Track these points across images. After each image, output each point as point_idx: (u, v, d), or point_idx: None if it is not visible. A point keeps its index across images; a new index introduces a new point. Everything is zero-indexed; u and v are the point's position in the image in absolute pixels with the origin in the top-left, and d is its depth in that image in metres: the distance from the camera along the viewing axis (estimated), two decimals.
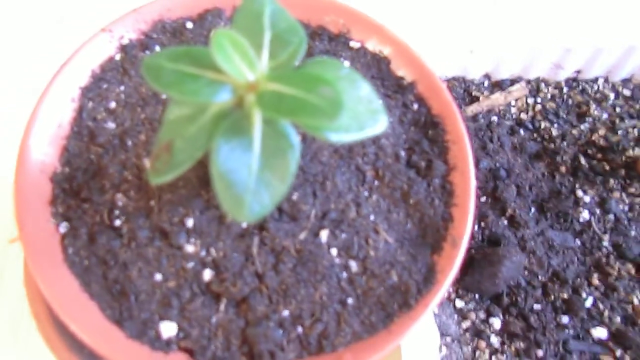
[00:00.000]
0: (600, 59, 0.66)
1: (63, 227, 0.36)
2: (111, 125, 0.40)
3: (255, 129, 0.25)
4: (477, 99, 0.67)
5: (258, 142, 0.25)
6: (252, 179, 0.25)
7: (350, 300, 0.35)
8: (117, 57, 0.41)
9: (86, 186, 0.37)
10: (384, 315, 0.35)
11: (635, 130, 0.66)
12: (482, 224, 0.59)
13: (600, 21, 0.65)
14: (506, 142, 0.64)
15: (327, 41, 0.44)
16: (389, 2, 0.64)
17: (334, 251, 0.36)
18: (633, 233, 0.60)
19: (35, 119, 0.38)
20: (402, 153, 0.40)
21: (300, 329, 0.34)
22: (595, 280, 0.57)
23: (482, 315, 0.55)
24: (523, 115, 0.67)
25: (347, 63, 0.43)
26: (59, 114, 0.39)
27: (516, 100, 0.68)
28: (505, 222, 0.59)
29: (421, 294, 0.35)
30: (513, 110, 0.68)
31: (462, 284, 0.56)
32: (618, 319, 0.56)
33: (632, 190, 0.63)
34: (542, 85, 0.69)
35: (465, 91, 0.68)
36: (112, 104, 0.40)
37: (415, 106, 0.42)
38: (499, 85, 0.68)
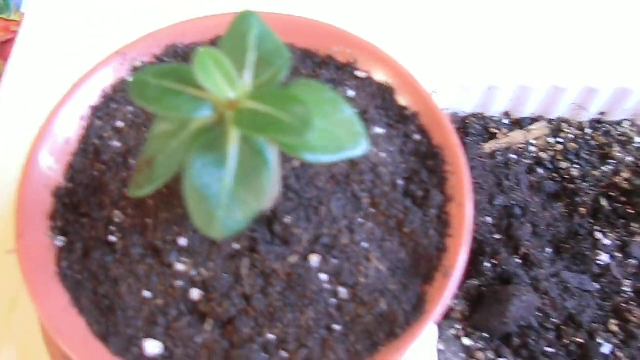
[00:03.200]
0: (624, 101, 0.65)
1: (60, 241, 0.37)
2: (116, 144, 0.41)
3: (231, 146, 0.26)
4: (495, 136, 0.67)
5: (233, 159, 0.26)
6: (224, 195, 0.25)
7: (337, 327, 0.35)
8: (129, 78, 0.43)
9: (86, 202, 0.38)
10: (370, 344, 0.34)
11: None
12: (494, 261, 0.58)
13: (625, 62, 0.64)
14: (523, 180, 0.63)
15: (334, 70, 0.45)
16: (408, 36, 0.64)
17: (324, 277, 0.36)
18: None
19: (45, 134, 0.39)
20: (400, 182, 0.40)
21: (284, 354, 0.34)
22: (614, 327, 0.55)
23: (490, 355, 0.54)
24: (543, 155, 0.66)
25: (352, 92, 0.44)
26: (67, 130, 0.40)
27: (536, 139, 0.67)
28: (519, 260, 0.58)
29: (409, 323, 0.35)
30: (532, 149, 0.67)
31: (471, 322, 0.55)
32: None
33: None
34: (564, 125, 0.68)
35: (484, 128, 0.67)
36: (120, 123, 0.42)
37: (417, 136, 0.42)
38: (519, 124, 0.68)
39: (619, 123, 0.68)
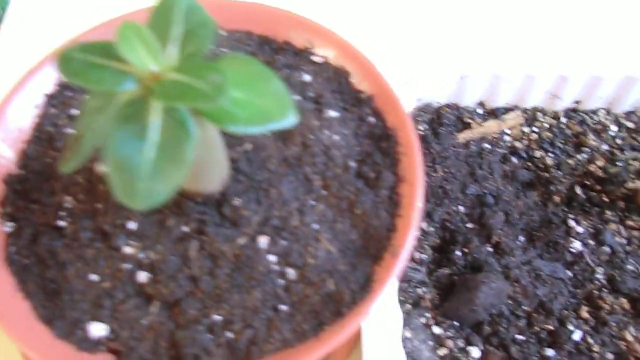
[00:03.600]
0: (598, 90, 0.65)
1: (8, 227, 0.37)
2: (70, 131, 0.41)
3: (152, 117, 0.25)
4: (470, 126, 0.66)
5: (155, 131, 0.26)
6: (146, 167, 0.25)
7: (283, 307, 0.35)
8: None
9: (38, 188, 0.38)
10: (316, 324, 0.34)
11: (636, 162, 0.64)
12: (466, 249, 0.57)
13: (597, 50, 0.63)
14: (497, 169, 0.63)
15: (291, 55, 0.45)
16: (381, 26, 0.64)
17: (272, 258, 0.36)
18: (630, 267, 0.57)
19: None
20: (353, 164, 0.40)
21: (230, 334, 0.34)
22: (585, 314, 0.55)
23: (460, 343, 0.53)
24: (517, 144, 0.66)
25: (308, 77, 0.44)
26: (21, 119, 0.41)
27: (511, 128, 0.67)
28: (490, 249, 0.57)
29: (355, 302, 0.35)
30: (507, 138, 0.66)
31: (442, 310, 0.54)
32: (608, 356, 0.53)
33: (630, 223, 0.60)
34: (539, 114, 0.67)
35: (458, 118, 0.67)
36: (75, 111, 0.42)
37: (372, 119, 0.42)
38: (493, 113, 0.67)
39: (594, 111, 0.67)
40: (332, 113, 0.42)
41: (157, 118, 0.26)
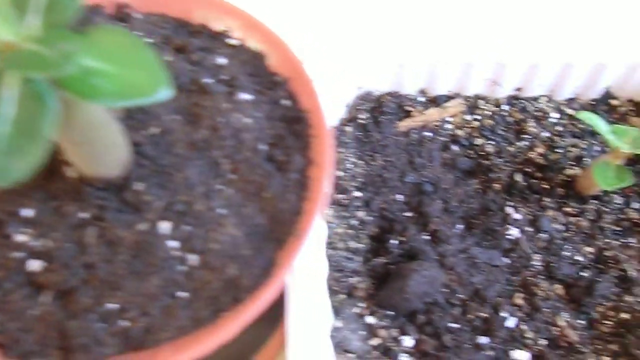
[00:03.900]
0: (538, 77, 0.64)
1: None
2: None
3: (6, 90, 0.24)
4: (411, 114, 0.66)
5: (10, 105, 0.24)
6: (1, 143, 0.24)
7: (182, 294, 0.34)
8: None
9: None
10: (214, 310, 0.33)
11: (576, 149, 0.63)
12: (402, 238, 0.56)
13: (534, 38, 0.63)
14: (436, 157, 0.62)
15: (207, 38, 0.44)
16: (317, 14, 0.63)
17: (174, 244, 0.35)
18: (566, 253, 0.57)
19: None
20: (263, 147, 0.39)
21: (124, 323, 0.33)
22: (520, 300, 0.54)
23: (394, 333, 0.52)
24: (459, 132, 0.65)
25: (223, 60, 0.43)
26: None
27: (452, 116, 0.66)
28: (427, 237, 0.57)
29: (254, 287, 0.33)
30: (449, 126, 0.66)
31: (376, 300, 0.53)
32: (542, 342, 0.52)
33: (568, 209, 0.59)
34: (481, 102, 0.67)
35: (399, 106, 0.66)
36: None
37: (286, 102, 0.41)
38: (435, 101, 0.67)
39: (535, 99, 0.67)
40: (245, 96, 0.41)
41: (12, 91, 0.24)
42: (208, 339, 0.32)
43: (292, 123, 0.40)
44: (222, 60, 0.43)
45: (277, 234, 0.36)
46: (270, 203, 0.37)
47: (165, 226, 0.35)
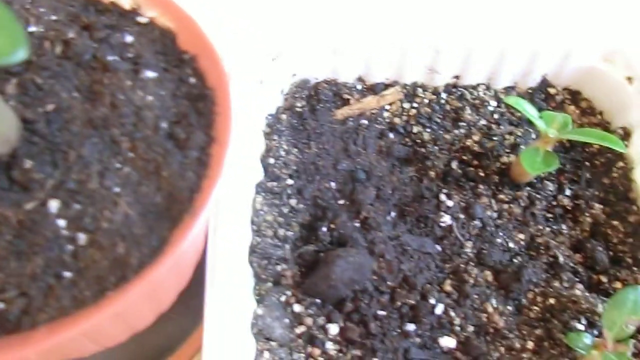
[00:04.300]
0: (474, 64, 0.64)
1: None
2: None
3: None
4: (348, 102, 0.65)
5: None
6: None
7: (67, 274, 0.32)
8: None
9: None
10: (98, 290, 0.32)
11: (512, 137, 0.63)
12: (332, 225, 0.55)
13: (470, 24, 0.63)
14: (371, 144, 0.62)
15: (116, 16, 0.42)
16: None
17: (62, 222, 0.33)
18: (499, 240, 0.57)
19: None
20: (165, 125, 0.37)
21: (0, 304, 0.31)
22: (449, 287, 0.53)
23: (321, 321, 0.52)
24: (396, 120, 0.64)
25: (130, 38, 0.41)
26: None
27: (390, 104, 0.66)
28: (358, 224, 0.56)
29: (142, 267, 0.32)
30: (386, 114, 0.65)
31: (303, 288, 0.52)
32: (470, 328, 0.51)
33: (502, 196, 0.59)
34: (419, 90, 0.66)
35: (336, 94, 0.65)
36: None
37: (192, 80, 0.40)
38: (372, 89, 0.66)
39: (474, 87, 0.67)
40: (150, 74, 0.40)
41: None
42: (88, 319, 0.31)
43: (197, 101, 0.39)
44: (129, 38, 0.41)
45: (173, 212, 0.35)
46: (169, 181, 0.36)
47: (55, 205, 0.34)
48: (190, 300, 0.51)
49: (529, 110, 0.55)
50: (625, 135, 0.60)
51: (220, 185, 0.35)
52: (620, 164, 0.60)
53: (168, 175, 0.36)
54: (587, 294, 0.52)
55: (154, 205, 0.35)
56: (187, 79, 0.40)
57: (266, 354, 0.49)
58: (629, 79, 0.60)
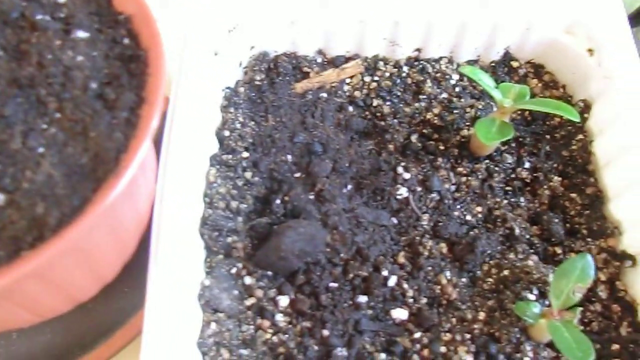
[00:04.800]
0: (435, 36, 0.63)
1: None
2: None
3: None
4: (308, 75, 0.64)
5: None
6: None
7: None
8: None
9: None
10: (13, 250, 0.31)
11: (473, 110, 0.62)
12: (286, 198, 0.55)
13: None
14: (329, 117, 0.61)
15: None
16: None
17: None
18: (456, 213, 0.56)
19: None
20: (94, 85, 0.36)
21: None
22: (402, 259, 0.53)
23: (272, 293, 0.51)
24: (357, 93, 0.64)
25: None
26: None
27: (351, 78, 0.65)
28: (312, 196, 0.55)
29: (61, 226, 0.31)
30: (347, 88, 0.64)
31: (254, 260, 0.52)
32: (422, 300, 0.51)
33: (460, 169, 0.58)
34: (381, 63, 0.65)
35: (296, 67, 0.64)
36: None
37: (126, 41, 0.39)
38: (333, 62, 0.65)
39: (436, 60, 0.66)
40: (82, 34, 0.39)
41: None
42: (1, 279, 0.30)
43: (130, 62, 0.38)
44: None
45: (99, 173, 0.34)
46: (96, 142, 0.35)
47: None
48: (142, 274, 0.50)
49: (484, 80, 0.54)
50: (586, 107, 0.60)
51: (147, 146, 0.34)
52: (580, 136, 0.59)
53: (95, 136, 0.35)
54: (541, 265, 0.52)
55: (79, 166, 0.34)
56: (120, 39, 0.39)
57: (213, 325, 0.48)
58: (590, 50, 0.59)
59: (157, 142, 0.49)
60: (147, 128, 0.34)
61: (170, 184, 0.48)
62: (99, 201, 0.32)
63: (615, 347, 0.47)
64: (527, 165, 0.59)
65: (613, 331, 0.48)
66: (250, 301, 0.50)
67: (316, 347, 0.48)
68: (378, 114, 0.62)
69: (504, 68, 0.66)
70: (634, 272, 0.50)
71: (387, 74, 0.65)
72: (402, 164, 0.58)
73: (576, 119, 0.51)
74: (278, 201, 0.55)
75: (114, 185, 0.32)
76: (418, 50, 0.65)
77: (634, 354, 0.47)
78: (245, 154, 0.58)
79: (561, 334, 0.42)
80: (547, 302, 0.49)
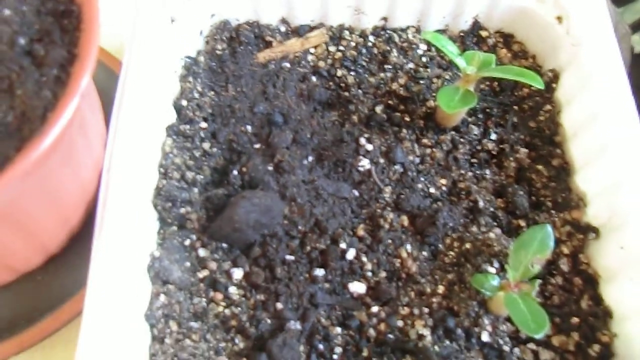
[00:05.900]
0: (402, 5, 0.61)
1: None
2: None
3: None
4: (271, 45, 0.62)
5: None
6: None
7: None
8: None
9: None
10: None
11: (440, 81, 0.61)
12: (244, 169, 0.53)
13: None
14: (291, 87, 0.59)
15: None
16: None
17: None
18: (420, 185, 0.54)
19: None
20: (22, 41, 0.34)
21: None
22: (362, 232, 0.51)
23: (226, 265, 0.49)
24: (321, 63, 0.62)
25: None
26: None
27: (315, 47, 0.63)
28: (271, 168, 0.53)
29: None
30: (310, 57, 0.62)
31: (209, 232, 0.50)
32: (382, 274, 0.49)
33: (425, 141, 0.57)
34: (346, 33, 0.63)
35: (258, 37, 0.62)
36: None
37: None
38: (297, 32, 0.63)
39: (403, 30, 0.64)
40: None
41: None
42: None
43: (62, 17, 0.36)
44: None
45: (24, 132, 0.32)
46: (22, 100, 0.33)
47: None
48: (91, 246, 0.48)
49: (447, 47, 0.52)
50: (554, 77, 0.58)
51: (75, 104, 0.32)
52: (548, 107, 0.58)
53: (22, 94, 0.33)
54: (503, 237, 0.50)
55: (3, 124, 0.32)
56: None
57: (162, 297, 0.46)
58: (559, 18, 0.58)
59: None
60: (77, 86, 0.32)
61: (120, 152, 0.47)
62: (21, 160, 0.30)
63: (575, 320, 0.46)
64: (493, 136, 0.57)
65: (573, 304, 0.47)
66: (203, 273, 0.49)
67: (269, 321, 0.47)
68: (342, 85, 0.61)
69: (473, 38, 0.64)
70: (597, 245, 0.49)
71: (353, 44, 0.63)
72: (366, 135, 0.57)
73: (540, 86, 0.49)
74: (235, 172, 0.53)
75: (38, 144, 0.30)
76: (384, 19, 0.64)
77: (594, 327, 0.46)
78: (204, 124, 0.56)
79: (517, 306, 0.41)
80: (507, 276, 0.48)
